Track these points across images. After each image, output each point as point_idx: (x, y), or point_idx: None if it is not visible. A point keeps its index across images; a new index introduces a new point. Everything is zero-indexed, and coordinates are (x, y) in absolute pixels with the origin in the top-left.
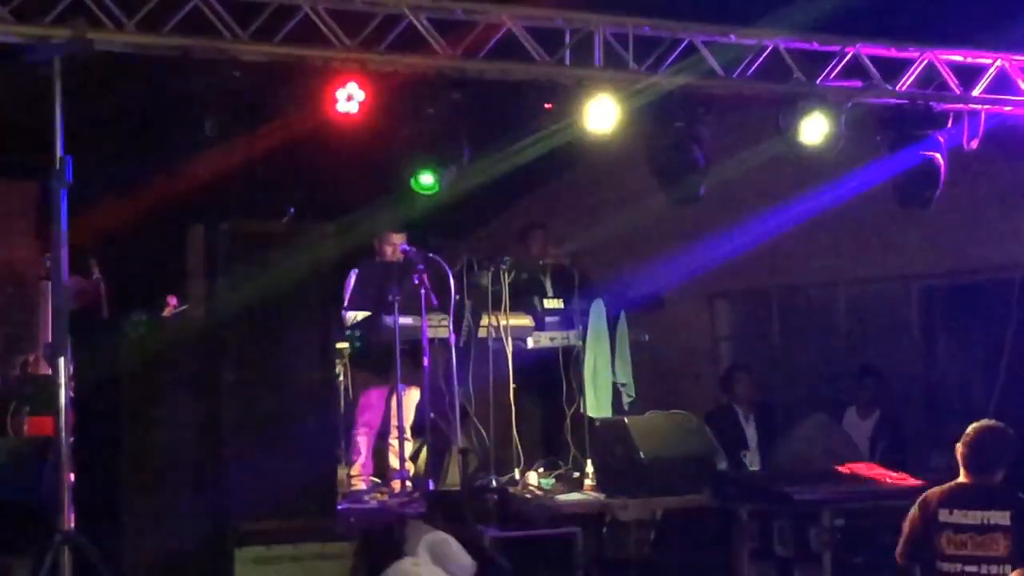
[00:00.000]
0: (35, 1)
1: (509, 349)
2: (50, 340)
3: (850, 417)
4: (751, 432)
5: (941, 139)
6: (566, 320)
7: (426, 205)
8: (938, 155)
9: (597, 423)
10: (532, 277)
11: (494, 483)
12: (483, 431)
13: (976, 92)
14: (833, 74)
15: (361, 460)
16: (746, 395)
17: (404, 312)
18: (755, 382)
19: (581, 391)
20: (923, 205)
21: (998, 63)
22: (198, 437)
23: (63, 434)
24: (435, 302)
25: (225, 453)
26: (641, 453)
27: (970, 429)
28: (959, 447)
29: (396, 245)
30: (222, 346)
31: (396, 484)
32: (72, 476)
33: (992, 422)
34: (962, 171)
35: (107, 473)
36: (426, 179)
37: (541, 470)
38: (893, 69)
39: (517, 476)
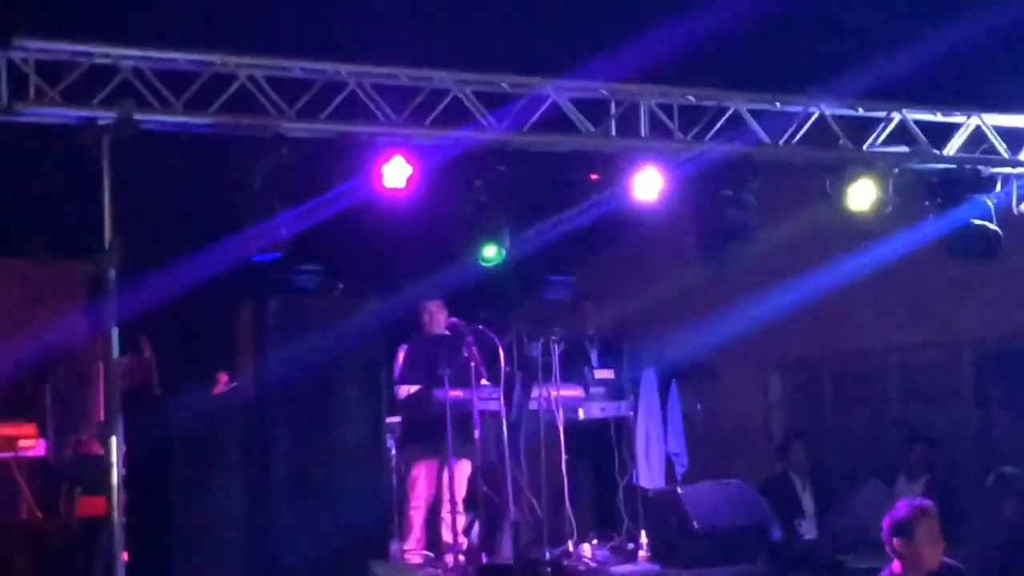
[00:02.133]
0: (83, 82)
1: (560, 420)
2: (102, 419)
3: (901, 483)
4: (807, 500)
5: (990, 203)
6: (617, 390)
7: (479, 277)
8: (987, 218)
9: (650, 493)
10: (582, 348)
11: (548, 555)
12: (535, 503)
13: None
14: (880, 139)
15: (414, 534)
16: (802, 463)
17: (454, 385)
18: (810, 450)
19: (633, 461)
20: (986, 257)
21: None
22: (249, 513)
23: (115, 513)
24: (485, 375)
25: (275, 524)
26: (695, 523)
27: None
28: None
29: (444, 318)
30: (272, 421)
31: (449, 558)
32: (126, 555)
33: None
34: (1012, 235)
35: (160, 551)
36: (489, 251)
37: (595, 542)
38: (940, 133)
39: (571, 548)
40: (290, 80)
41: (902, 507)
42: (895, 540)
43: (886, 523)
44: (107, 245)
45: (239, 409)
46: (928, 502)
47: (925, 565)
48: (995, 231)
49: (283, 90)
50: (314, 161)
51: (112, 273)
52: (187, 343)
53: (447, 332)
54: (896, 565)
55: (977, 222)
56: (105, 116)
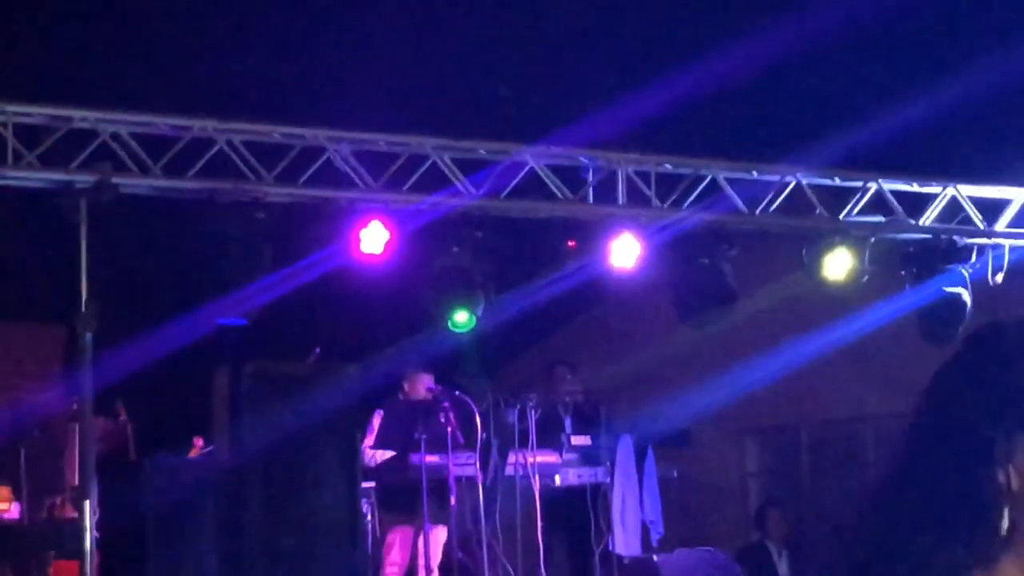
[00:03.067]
0: (61, 146)
1: (536, 486)
2: (77, 483)
3: None
4: (783, 569)
5: (966, 273)
6: (593, 457)
7: (456, 343)
8: (963, 289)
9: (626, 560)
10: (558, 414)
11: None
12: (511, 569)
13: (999, 226)
14: (856, 209)
15: None
16: (779, 532)
17: (430, 450)
18: (786, 518)
19: (609, 528)
20: (948, 340)
21: (1021, 196)
22: None
23: None
24: (461, 440)
25: None
26: None
27: None
28: None
29: (425, 384)
30: (247, 487)
31: None
32: None
33: None
34: (987, 305)
35: None
36: (460, 317)
37: None
38: (916, 204)
39: None
40: (268, 145)
41: None
42: None
43: None
44: (83, 309)
45: (214, 475)
46: None
47: None
48: (964, 303)
49: (261, 155)
50: (292, 226)
51: (88, 337)
52: (162, 408)
53: (425, 398)
54: None
55: (946, 293)
56: (83, 180)
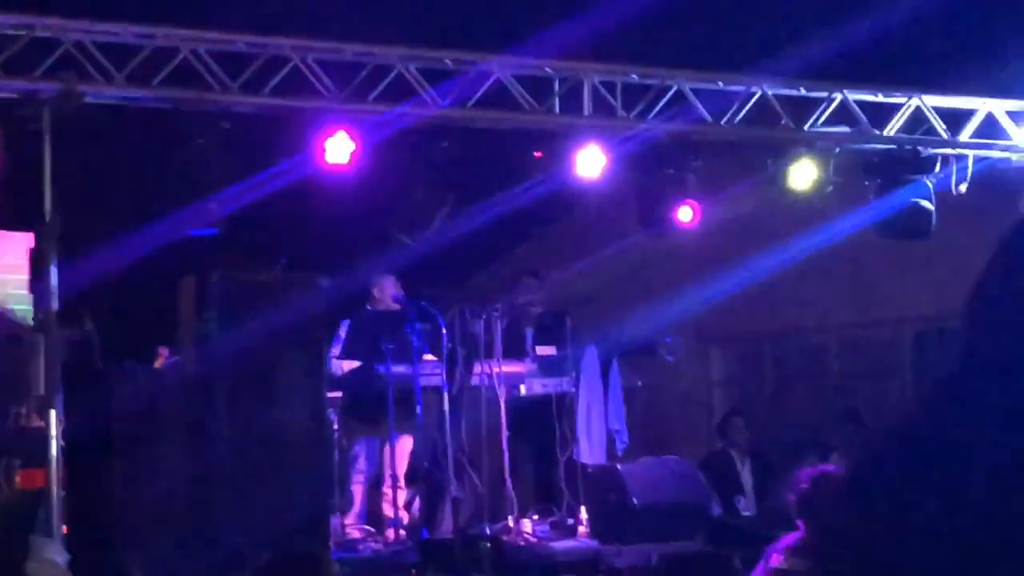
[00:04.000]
0: (25, 55)
1: (502, 397)
2: (42, 392)
3: (834, 461)
4: (746, 477)
5: (930, 183)
6: (559, 366)
7: (422, 254)
8: (927, 200)
9: (590, 469)
10: (524, 324)
11: (488, 531)
12: (476, 479)
13: (963, 137)
14: (821, 120)
15: (355, 509)
16: (742, 440)
17: (397, 361)
18: (751, 427)
19: (574, 437)
20: (919, 237)
21: (985, 107)
22: (190, 487)
23: (54, 486)
24: (428, 350)
25: (217, 503)
26: (634, 499)
27: None
28: None
29: (391, 286)
30: (213, 396)
31: (390, 533)
32: (64, 528)
33: None
34: (951, 215)
35: (99, 525)
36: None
37: (535, 517)
38: (881, 114)
39: (511, 523)
40: (233, 54)
41: (804, 478)
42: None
43: (793, 495)
44: (47, 219)
45: (180, 384)
46: (832, 469)
47: None
48: (928, 210)
49: (226, 64)
50: (258, 136)
51: (52, 246)
52: (128, 318)
53: (393, 308)
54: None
55: (911, 202)
56: (47, 89)
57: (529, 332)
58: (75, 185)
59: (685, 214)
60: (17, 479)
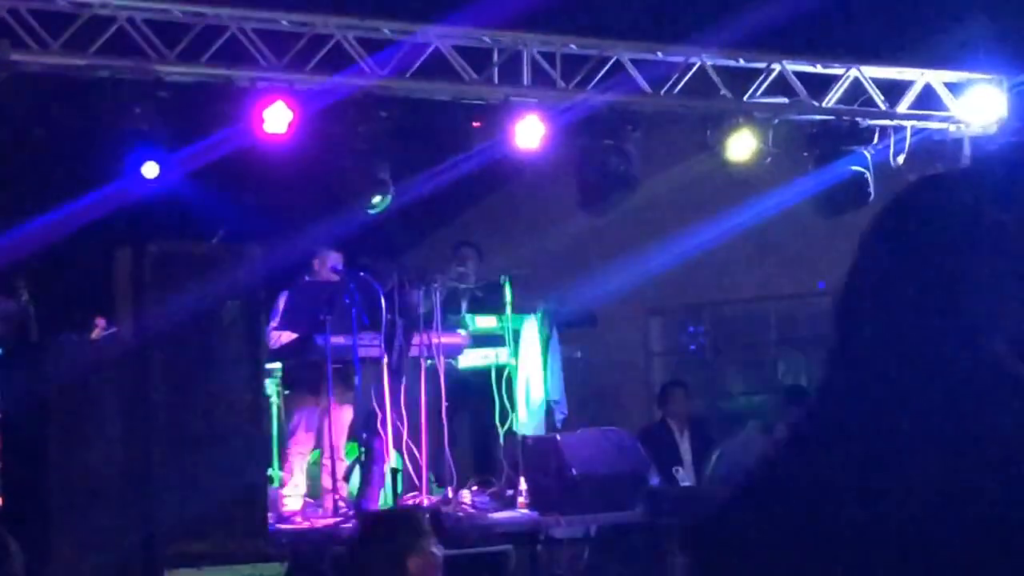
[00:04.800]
0: None
1: (441, 368)
2: None
3: (780, 432)
4: (685, 448)
5: (868, 155)
6: (498, 338)
7: (361, 224)
8: (865, 171)
9: (530, 441)
10: (463, 295)
11: (427, 502)
12: (415, 450)
13: (902, 108)
14: (760, 91)
15: (294, 480)
16: (681, 411)
17: (335, 332)
18: (689, 398)
19: (514, 409)
20: (855, 209)
21: (923, 79)
22: (127, 459)
23: None
24: (366, 321)
25: (154, 474)
26: (573, 470)
27: None
28: None
29: (333, 263)
30: (150, 367)
31: (329, 503)
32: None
33: None
34: (889, 187)
35: (35, 495)
36: (373, 199)
37: (474, 488)
38: (819, 86)
39: (450, 494)
40: (170, 23)
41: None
42: None
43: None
44: None
45: (117, 355)
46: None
47: None
48: (865, 181)
49: (163, 33)
50: (194, 106)
51: None
52: (64, 288)
53: (331, 279)
54: None
55: (849, 172)
56: None
57: (465, 303)
58: (10, 155)
59: None
60: None
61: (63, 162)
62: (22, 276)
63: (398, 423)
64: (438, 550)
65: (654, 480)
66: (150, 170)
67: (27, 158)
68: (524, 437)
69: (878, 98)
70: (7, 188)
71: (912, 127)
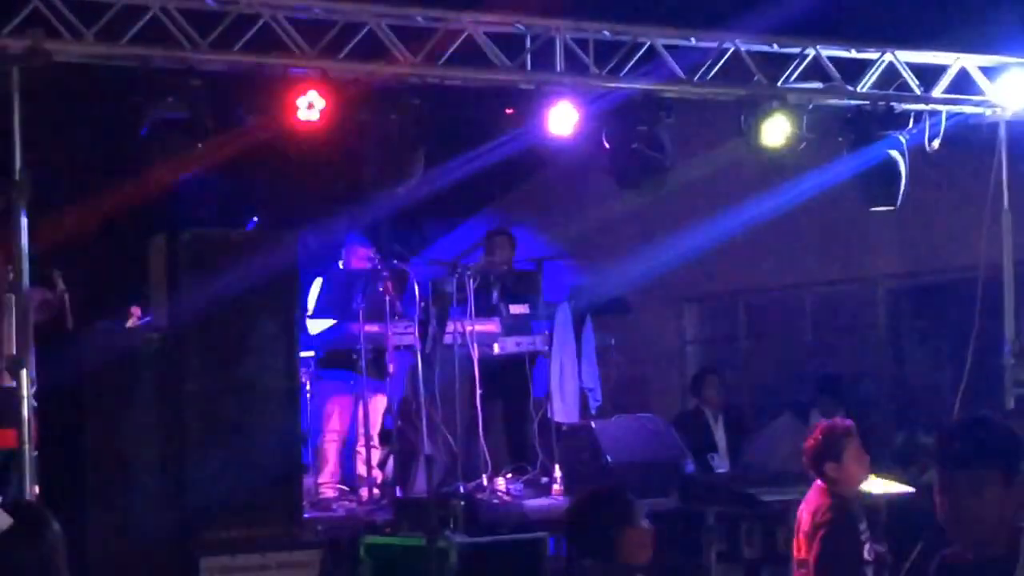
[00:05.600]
0: None
1: (475, 355)
2: (13, 352)
3: (814, 419)
4: (720, 435)
5: (903, 139)
6: (532, 325)
7: (394, 211)
8: (900, 155)
9: (564, 428)
10: (497, 283)
11: (461, 489)
12: (450, 437)
13: (936, 92)
14: (794, 76)
15: (328, 468)
16: (715, 398)
17: (369, 319)
18: (724, 385)
19: (548, 396)
20: (888, 203)
21: (958, 63)
22: (162, 447)
23: (26, 446)
24: (400, 309)
25: (189, 462)
26: (608, 457)
27: None
28: None
29: (363, 253)
30: (185, 355)
31: (364, 492)
32: (36, 488)
33: None
34: (925, 172)
35: (72, 485)
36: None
37: (509, 476)
38: (854, 70)
39: (484, 482)
40: (203, 11)
41: (826, 429)
42: (825, 464)
43: (810, 448)
44: (17, 176)
45: (152, 343)
46: (850, 422)
47: (854, 487)
48: (898, 177)
49: (196, 21)
50: (228, 94)
51: (22, 206)
52: (99, 277)
53: (364, 266)
54: (820, 491)
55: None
56: (14, 46)
57: (496, 291)
58: (45, 144)
59: None
60: None
61: (98, 151)
62: (57, 265)
63: (432, 411)
64: (648, 524)
65: (689, 467)
66: (186, 157)
67: (61, 147)
68: (558, 424)
69: (913, 83)
70: (41, 176)
71: (947, 111)
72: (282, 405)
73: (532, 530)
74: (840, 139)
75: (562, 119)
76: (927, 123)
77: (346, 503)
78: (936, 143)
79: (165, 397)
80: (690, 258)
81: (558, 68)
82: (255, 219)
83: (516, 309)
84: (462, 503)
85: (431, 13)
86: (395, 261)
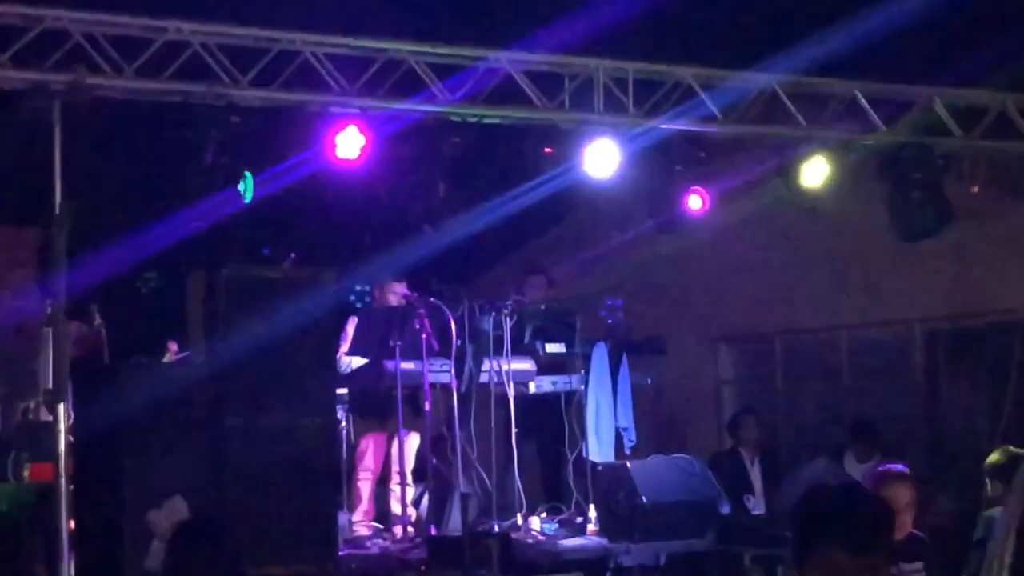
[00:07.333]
0: (34, 47)
1: (511, 394)
2: (51, 387)
3: (849, 462)
4: (756, 476)
5: (940, 181)
6: (568, 364)
7: (433, 249)
8: (940, 197)
9: (599, 467)
10: (533, 322)
11: (496, 528)
12: (485, 476)
13: (977, 134)
14: (833, 117)
15: (363, 506)
16: (752, 439)
17: (405, 357)
18: (760, 426)
19: (583, 435)
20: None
21: (999, 104)
22: (199, 483)
23: (62, 480)
24: (436, 347)
25: (226, 499)
26: (643, 498)
27: None
28: None
29: (397, 292)
30: (223, 392)
31: (398, 530)
32: (72, 523)
33: None
34: (964, 213)
35: (107, 519)
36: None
37: (544, 515)
38: (893, 111)
39: (519, 521)
40: (243, 48)
41: (887, 471)
42: None
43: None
44: (57, 211)
45: (189, 379)
46: (906, 469)
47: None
48: (942, 209)
49: (236, 58)
50: (267, 131)
51: (62, 240)
52: (137, 312)
53: (400, 304)
54: None
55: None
56: (57, 81)
57: (529, 330)
58: (85, 179)
59: (695, 202)
60: (27, 473)
61: (138, 187)
62: (95, 300)
63: (467, 449)
64: None
65: (725, 508)
66: (225, 195)
67: (102, 182)
68: (594, 464)
69: (951, 124)
70: (82, 212)
71: (987, 153)
72: (318, 443)
73: (567, 570)
74: (879, 181)
75: (601, 158)
76: (966, 164)
77: (380, 541)
78: (976, 187)
79: (202, 433)
80: (728, 298)
81: (597, 107)
82: (293, 255)
83: (552, 348)
84: (497, 542)
85: (471, 51)
86: (431, 298)
